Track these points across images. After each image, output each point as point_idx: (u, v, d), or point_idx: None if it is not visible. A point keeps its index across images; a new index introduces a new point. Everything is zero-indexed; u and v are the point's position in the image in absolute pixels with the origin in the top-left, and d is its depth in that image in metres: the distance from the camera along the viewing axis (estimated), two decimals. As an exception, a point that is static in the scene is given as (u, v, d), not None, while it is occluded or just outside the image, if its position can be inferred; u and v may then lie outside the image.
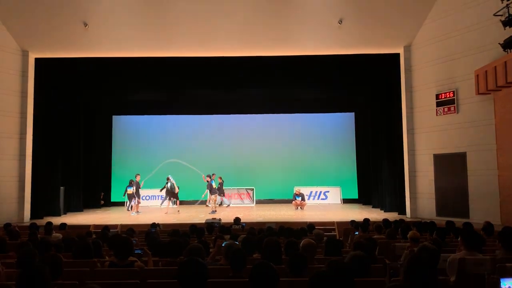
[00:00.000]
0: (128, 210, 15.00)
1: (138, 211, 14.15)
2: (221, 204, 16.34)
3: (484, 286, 3.72)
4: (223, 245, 4.58)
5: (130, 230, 7.98)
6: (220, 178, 15.75)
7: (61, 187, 14.33)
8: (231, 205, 16.66)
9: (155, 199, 16.78)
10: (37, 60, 13.66)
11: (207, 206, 15.38)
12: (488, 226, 6.69)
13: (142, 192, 15.29)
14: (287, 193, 16.76)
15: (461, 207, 11.44)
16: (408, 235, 5.65)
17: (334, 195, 17.32)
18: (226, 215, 12.73)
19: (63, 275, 3.61)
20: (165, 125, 18.43)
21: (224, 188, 16.05)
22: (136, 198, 14.26)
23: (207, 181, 14.70)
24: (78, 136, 15.71)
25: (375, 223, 7.76)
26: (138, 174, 14.71)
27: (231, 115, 18.26)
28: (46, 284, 2.83)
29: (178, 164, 17.69)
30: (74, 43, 13.05)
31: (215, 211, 13.88)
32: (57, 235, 7.59)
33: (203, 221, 10.72)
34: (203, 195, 15.82)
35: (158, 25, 12.60)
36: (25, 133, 13.10)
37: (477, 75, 10.83)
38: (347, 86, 16.51)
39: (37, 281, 2.79)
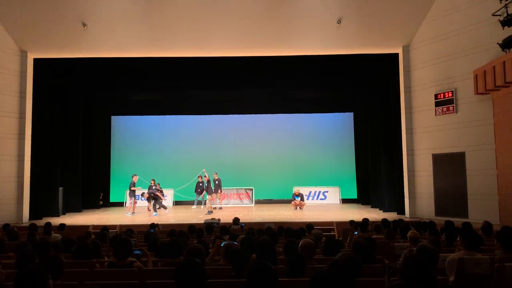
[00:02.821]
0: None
1: (134, 212, 14.05)
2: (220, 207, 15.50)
3: (484, 286, 3.72)
4: (221, 245, 4.59)
5: (129, 230, 7.99)
6: (216, 174, 15.58)
7: (60, 188, 14.28)
8: (230, 204, 16.54)
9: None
10: (36, 61, 13.62)
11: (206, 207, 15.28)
12: (487, 225, 6.69)
13: (140, 191, 15.16)
14: (286, 193, 16.77)
15: (460, 207, 11.46)
16: (407, 235, 5.65)
17: (333, 195, 17.33)
18: (225, 215, 12.72)
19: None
20: (164, 125, 18.41)
21: (223, 188, 15.91)
22: (133, 198, 14.15)
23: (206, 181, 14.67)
24: (77, 136, 15.69)
25: (374, 223, 7.76)
26: (135, 175, 14.57)
27: (230, 115, 18.26)
28: (44, 284, 2.81)
29: (177, 163, 17.70)
30: (72, 44, 13.03)
31: (211, 211, 13.77)
32: (56, 235, 7.58)
33: (202, 222, 10.71)
34: (201, 196, 15.82)
35: (157, 25, 12.59)
36: (24, 134, 13.06)
37: (476, 75, 10.85)
38: (346, 86, 16.58)
39: (36, 282, 2.78)
